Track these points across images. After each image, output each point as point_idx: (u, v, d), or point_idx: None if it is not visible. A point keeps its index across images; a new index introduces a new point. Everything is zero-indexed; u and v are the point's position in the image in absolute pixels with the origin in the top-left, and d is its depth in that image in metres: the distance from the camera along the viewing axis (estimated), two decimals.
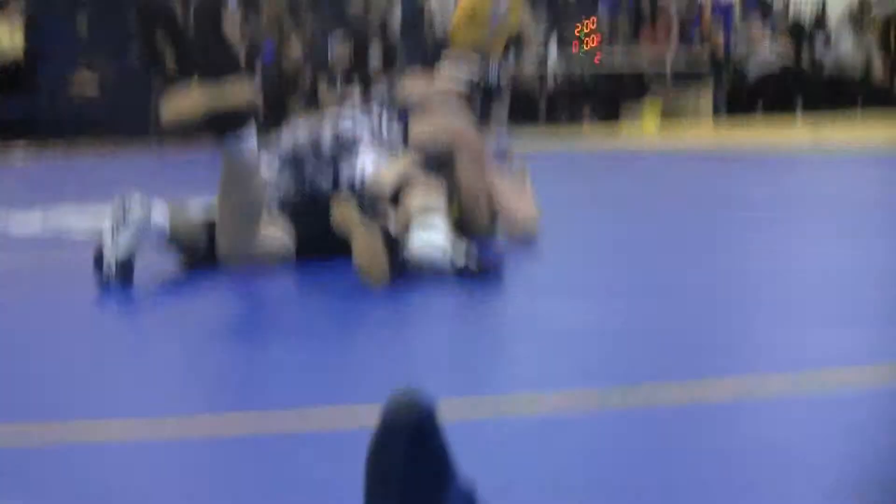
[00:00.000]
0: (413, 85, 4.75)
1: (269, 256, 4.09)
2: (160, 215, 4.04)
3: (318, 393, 2.68)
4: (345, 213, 3.83)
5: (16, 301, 4.00)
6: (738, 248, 4.81)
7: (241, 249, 4.00)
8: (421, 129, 4.59)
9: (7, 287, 4.31)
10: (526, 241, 4.75)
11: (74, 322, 3.72)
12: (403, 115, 4.59)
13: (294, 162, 4.36)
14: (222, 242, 3.98)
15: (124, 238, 3.93)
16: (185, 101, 3.75)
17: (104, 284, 3.90)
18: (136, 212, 3.96)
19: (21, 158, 11.13)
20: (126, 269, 3.93)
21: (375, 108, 4.59)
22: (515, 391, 2.66)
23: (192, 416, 2.52)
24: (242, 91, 3.80)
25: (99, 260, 3.92)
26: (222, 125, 3.77)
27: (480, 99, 4.88)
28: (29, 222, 5.93)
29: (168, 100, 3.77)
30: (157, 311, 3.88)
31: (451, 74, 4.86)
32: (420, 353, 3.11)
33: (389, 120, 4.55)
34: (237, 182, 3.86)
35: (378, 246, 3.72)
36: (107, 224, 3.96)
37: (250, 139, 3.82)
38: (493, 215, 4.75)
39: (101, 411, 2.60)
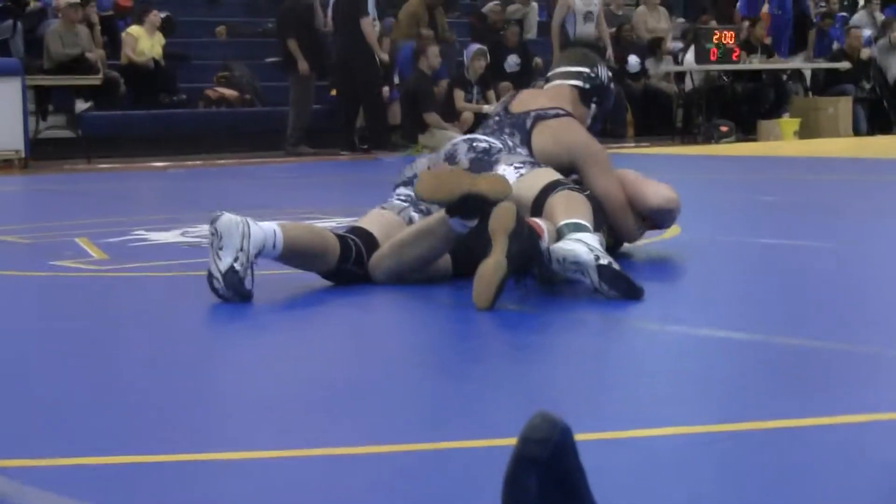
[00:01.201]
0: (525, 101, 4.69)
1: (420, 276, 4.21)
2: (262, 229, 3.98)
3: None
4: (504, 215, 3.76)
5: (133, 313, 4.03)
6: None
7: (396, 278, 4.20)
8: (540, 143, 4.54)
9: (127, 298, 4.35)
10: (672, 218, 4.78)
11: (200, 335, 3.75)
12: (523, 128, 4.56)
13: None
14: (378, 270, 4.19)
15: (225, 253, 3.91)
16: (447, 182, 3.92)
17: (221, 298, 3.91)
18: (231, 228, 3.92)
19: (161, 168, 11.33)
20: (233, 281, 3.92)
21: (498, 123, 4.59)
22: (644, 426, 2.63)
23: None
24: (502, 185, 3.91)
25: (210, 279, 3.94)
26: (467, 210, 3.91)
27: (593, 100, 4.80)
28: (168, 231, 6.00)
29: (431, 177, 3.96)
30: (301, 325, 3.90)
31: (565, 75, 4.80)
32: (555, 383, 3.06)
33: (511, 134, 4.54)
34: (436, 248, 4.14)
35: (495, 274, 3.68)
36: (207, 242, 3.97)
37: (474, 221, 3.98)
38: (638, 218, 4.71)
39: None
